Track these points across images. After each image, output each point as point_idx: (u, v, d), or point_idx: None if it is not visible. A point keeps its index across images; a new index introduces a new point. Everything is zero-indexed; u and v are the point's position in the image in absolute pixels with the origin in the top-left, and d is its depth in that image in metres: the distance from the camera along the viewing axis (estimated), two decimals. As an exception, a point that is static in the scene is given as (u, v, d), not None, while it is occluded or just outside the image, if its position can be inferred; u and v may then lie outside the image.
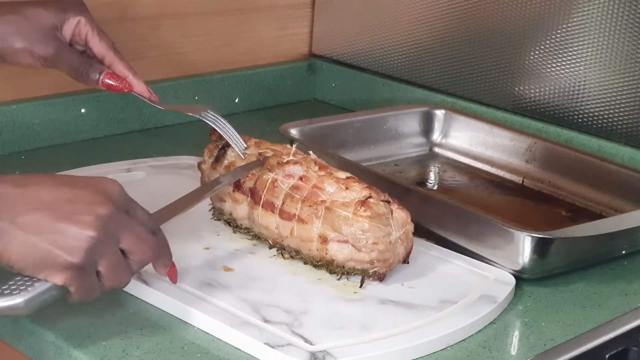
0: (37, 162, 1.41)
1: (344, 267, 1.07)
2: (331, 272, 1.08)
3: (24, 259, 0.85)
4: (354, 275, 1.08)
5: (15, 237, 0.84)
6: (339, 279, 1.08)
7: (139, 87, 1.17)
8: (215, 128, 1.16)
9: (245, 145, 1.16)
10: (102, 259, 0.87)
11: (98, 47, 1.15)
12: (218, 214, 1.18)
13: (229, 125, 1.16)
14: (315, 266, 1.09)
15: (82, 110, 1.50)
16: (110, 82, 1.15)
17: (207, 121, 1.16)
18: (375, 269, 1.06)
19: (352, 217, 1.05)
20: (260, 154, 1.15)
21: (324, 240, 1.06)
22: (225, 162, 1.16)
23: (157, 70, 1.59)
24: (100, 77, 1.14)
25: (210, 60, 1.67)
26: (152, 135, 1.56)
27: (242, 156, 1.15)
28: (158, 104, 1.20)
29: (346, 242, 1.06)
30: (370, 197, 1.06)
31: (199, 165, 1.21)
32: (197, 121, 1.58)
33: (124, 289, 1.03)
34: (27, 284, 0.86)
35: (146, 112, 1.56)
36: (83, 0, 1.17)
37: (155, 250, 0.92)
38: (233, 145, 1.15)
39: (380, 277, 1.07)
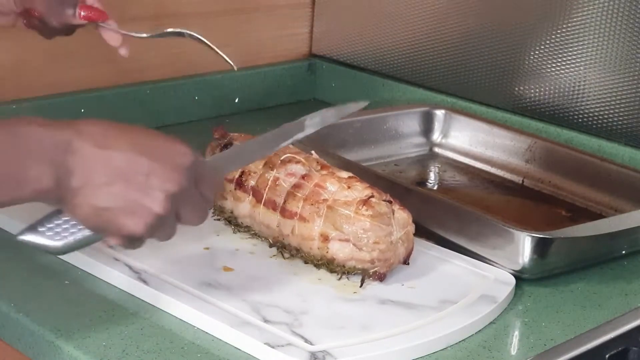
0: (37, 162, 1.41)
1: (344, 267, 1.07)
2: (331, 271, 1.08)
3: (89, 221, 0.88)
4: (354, 274, 1.08)
5: (85, 200, 0.86)
6: (339, 279, 1.08)
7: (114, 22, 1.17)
8: (203, 40, 1.17)
9: (232, 64, 1.17)
10: (158, 232, 0.91)
11: None
12: (219, 212, 1.18)
13: (209, 42, 1.17)
14: (316, 265, 1.09)
15: (82, 110, 1.50)
16: (86, 13, 1.15)
17: (192, 34, 1.17)
18: (376, 268, 1.06)
19: (354, 216, 1.05)
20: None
21: (325, 238, 1.06)
22: None
23: (157, 70, 1.59)
24: (76, 11, 1.15)
25: (210, 60, 1.66)
26: (152, 135, 1.56)
27: (234, 67, 1.16)
28: (137, 34, 1.20)
29: (347, 240, 1.06)
30: (372, 196, 1.06)
31: None
32: (197, 121, 1.58)
33: (124, 289, 1.05)
34: (72, 230, 0.90)
35: (146, 112, 1.56)
36: None
37: (202, 220, 0.95)
38: (224, 57, 1.16)
39: (381, 277, 1.07)
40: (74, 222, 0.90)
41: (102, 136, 0.87)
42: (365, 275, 1.07)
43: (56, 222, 0.90)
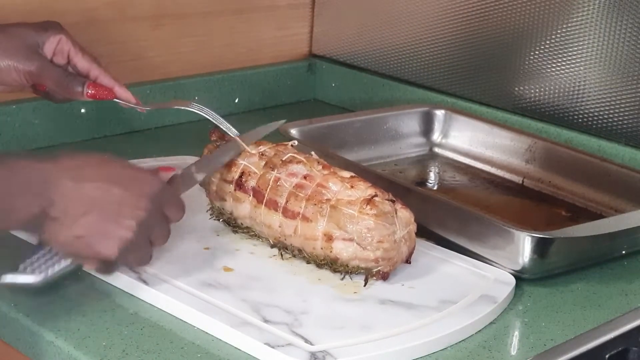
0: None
1: (347, 266, 1.07)
2: (334, 270, 1.08)
3: (66, 248, 0.98)
4: (356, 274, 1.08)
5: (63, 230, 0.95)
6: (342, 279, 1.08)
7: (125, 95, 1.22)
8: (205, 116, 1.19)
9: (237, 132, 1.17)
10: (131, 255, 0.99)
11: (82, 62, 1.19)
12: (217, 213, 1.18)
13: (215, 114, 1.19)
14: (318, 265, 1.09)
15: (82, 110, 1.50)
16: (94, 91, 1.18)
17: (196, 110, 1.20)
18: (380, 267, 1.06)
19: (358, 215, 1.05)
20: (262, 153, 1.15)
21: (329, 238, 1.06)
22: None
23: (157, 70, 1.59)
24: (84, 89, 1.17)
25: (210, 60, 1.67)
26: (152, 135, 1.56)
27: (235, 137, 1.17)
28: (144, 106, 1.23)
29: (351, 240, 1.06)
30: (375, 195, 1.06)
31: None
32: (197, 121, 1.58)
33: (124, 289, 1.05)
34: (48, 262, 1.00)
35: (146, 113, 1.56)
36: (59, 22, 1.20)
37: (166, 239, 1.03)
38: (225, 130, 1.17)
39: (384, 276, 1.07)
40: (50, 256, 1.00)
41: (78, 170, 0.96)
42: (368, 274, 1.07)
43: (32, 259, 1.00)
